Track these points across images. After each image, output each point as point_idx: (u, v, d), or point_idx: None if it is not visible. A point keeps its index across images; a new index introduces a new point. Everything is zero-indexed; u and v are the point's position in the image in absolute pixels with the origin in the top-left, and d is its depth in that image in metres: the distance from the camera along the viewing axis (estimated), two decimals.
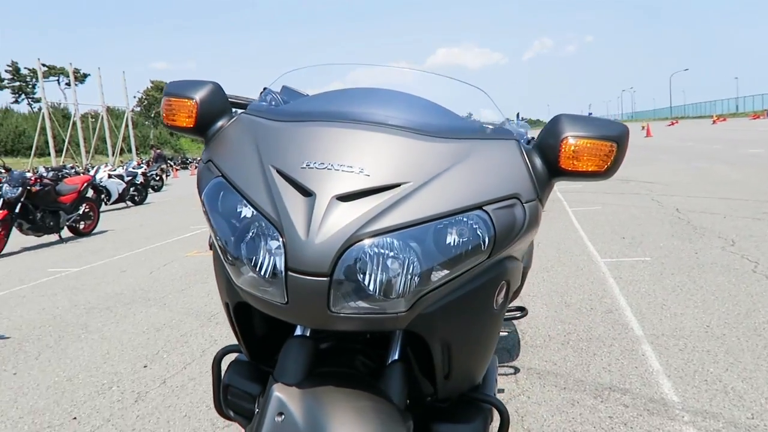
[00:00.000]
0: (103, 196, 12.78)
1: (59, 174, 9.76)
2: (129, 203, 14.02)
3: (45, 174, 9.75)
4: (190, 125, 1.47)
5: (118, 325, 4.00)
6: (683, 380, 2.50)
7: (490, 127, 1.43)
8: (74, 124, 39.94)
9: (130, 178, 13.96)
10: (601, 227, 6.11)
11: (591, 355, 2.85)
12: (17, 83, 60.33)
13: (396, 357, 1.31)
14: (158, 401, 2.70)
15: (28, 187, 7.84)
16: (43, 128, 37.14)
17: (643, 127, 31.75)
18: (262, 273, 1.15)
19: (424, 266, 1.11)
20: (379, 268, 1.10)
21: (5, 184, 7.68)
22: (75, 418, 2.60)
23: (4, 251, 7.72)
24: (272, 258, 1.14)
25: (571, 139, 1.31)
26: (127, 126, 43.00)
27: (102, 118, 42.11)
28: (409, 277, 1.11)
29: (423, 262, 1.11)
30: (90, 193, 9.45)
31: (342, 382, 1.25)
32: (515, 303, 2.84)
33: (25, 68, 60.55)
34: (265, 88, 1.61)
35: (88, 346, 3.61)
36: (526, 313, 2.69)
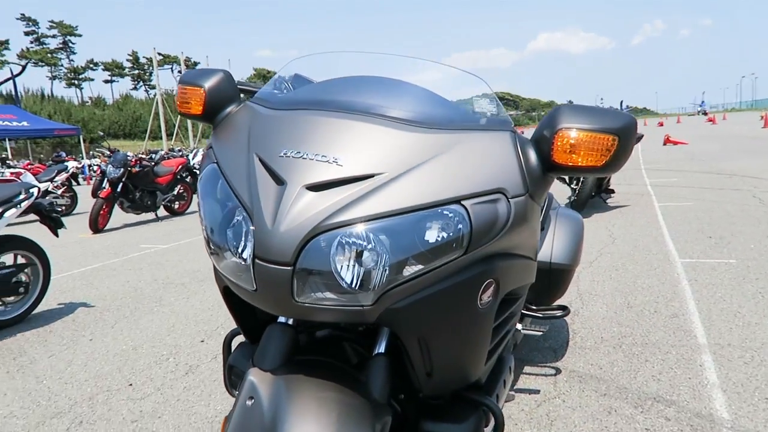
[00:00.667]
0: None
1: (154, 157, 10.46)
2: None
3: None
4: (198, 113, 1.52)
5: (188, 301, 4.26)
6: (740, 397, 2.29)
7: (486, 117, 1.37)
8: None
9: None
10: (687, 225, 5.68)
11: (642, 362, 2.67)
12: (136, 71, 65.11)
13: (381, 350, 1.30)
14: (206, 374, 2.86)
15: (129, 168, 8.48)
16: (157, 113, 39.80)
17: (762, 117, 28.98)
18: (236, 260, 1.18)
19: (392, 259, 1.10)
20: (345, 260, 1.09)
21: (110, 165, 8.36)
22: (131, 384, 2.80)
23: (107, 227, 8.44)
24: (245, 245, 1.16)
25: (567, 131, 1.23)
26: None
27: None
28: (377, 270, 1.09)
29: (392, 255, 1.09)
30: (185, 175, 10.05)
31: (318, 372, 1.26)
32: (559, 302, 2.72)
33: (144, 57, 65.17)
34: (276, 75, 1.63)
35: (157, 318, 3.88)
36: (568, 313, 2.57)
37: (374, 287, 1.10)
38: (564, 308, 2.58)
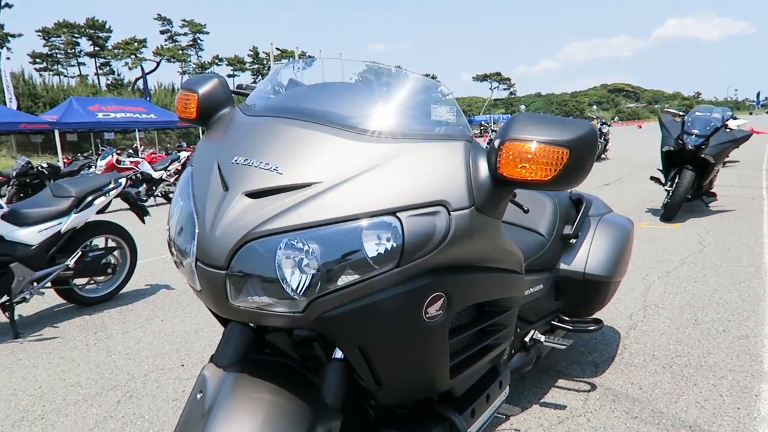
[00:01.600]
0: None
1: None
2: None
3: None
4: (193, 116, 1.59)
5: None
6: None
7: (443, 126, 1.33)
8: None
9: None
10: None
11: (690, 385, 2.46)
12: (256, 66, 68.74)
13: (338, 356, 1.32)
14: None
15: None
16: None
17: None
18: (186, 261, 1.26)
19: (324, 268, 1.11)
20: (276, 266, 1.12)
21: None
22: (183, 365, 3.03)
23: None
24: (191, 248, 1.23)
25: (514, 142, 1.18)
26: None
27: None
28: (307, 277, 1.11)
29: (323, 264, 1.11)
30: None
31: (271, 373, 1.30)
32: (598, 314, 2.57)
33: (263, 52, 68.61)
34: (264, 80, 1.67)
35: None
36: (601, 327, 2.44)
37: (305, 294, 1.12)
38: (598, 321, 2.45)
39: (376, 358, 1.25)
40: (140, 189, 10.84)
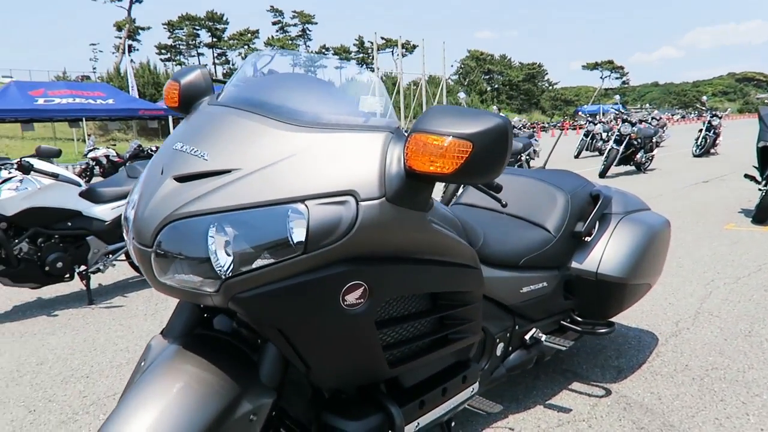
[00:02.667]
0: None
1: None
2: None
3: None
4: (175, 104, 1.69)
5: None
6: None
7: (369, 117, 1.34)
8: (398, 91, 44.67)
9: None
10: None
11: (715, 401, 2.27)
12: (361, 55, 70.01)
13: None
14: None
15: None
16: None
17: None
18: (128, 241, 1.36)
19: (236, 250, 1.17)
20: (192, 247, 1.19)
21: None
22: None
23: None
24: (130, 227, 1.33)
25: (419, 134, 1.17)
26: (442, 93, 46.19)
27: (421, 86, 46.19)
28: (220, 259, 1.17)
29: (235, 247, 1.17)
30: None
31: (210, 348, 1.39)
32: (619, 317, 2.44)
33: (368, 42, 69.69)
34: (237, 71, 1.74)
35: None
36: (612, 331, 2.32)
37: (217, 275, 1.18)
38: (610, 324, 2.33)
39: (297, 341, 1.28)
40: None
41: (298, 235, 1.16)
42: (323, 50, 67.09)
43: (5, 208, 3.71)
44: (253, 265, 1.17)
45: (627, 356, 2.73)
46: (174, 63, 61.75)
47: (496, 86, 66.42)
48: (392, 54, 69.30)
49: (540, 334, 2.17)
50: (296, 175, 1.21)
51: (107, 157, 15.13)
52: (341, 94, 1.40)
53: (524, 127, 14.96)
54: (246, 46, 57.08)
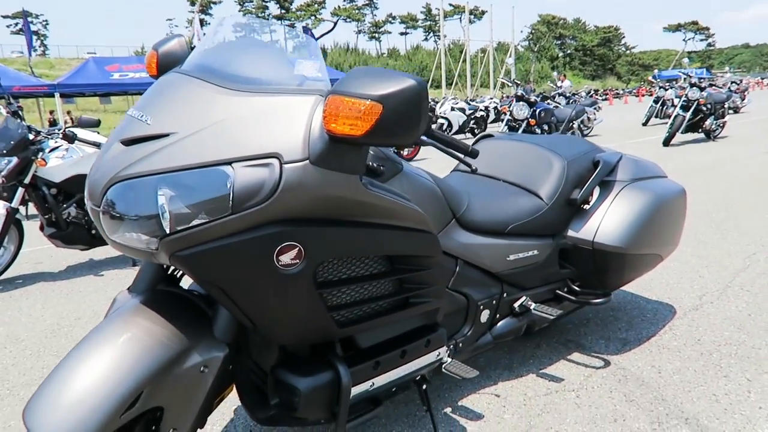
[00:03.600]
0: (445, 126, 14.15)
1: None
2: (468, 134, 15.14)
3: None
4: (154, 73, 1.75)
5: None
6: None
7: (301, 80, 1.35)
8: (464, 59, 43.78)
9: (471, 111, 14.99)
10: None
11: (717, 377, 2.18)
12: (428, 23, 68.86)
13: None
14: None
15: None
16: (440, 63, 41.72)
17: None
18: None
19: (170, 211, 1.23)
20: (133, 206, 1.27)
21: None
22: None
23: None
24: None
25: (335, 96, 1.19)
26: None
27: (488, 53, 45.04)
28: (158, 218, 1.24)
29: (170, 207, 1.23)
30: None
31: (169, 303, 1.47)
32: (628, 287, 2.37)
33: (435, 9, 68.37)
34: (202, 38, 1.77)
35: None
36: (607, 300, 2.27)
37: (156, 233, 1.25)
38: (605, 294, 2.27)
39: (238, 299, 1.34)
40: None
41: (224, 196, 1.20)
42: (390, 18, 66.46)
43: (54, 175, 3.99)
44: (187, 225, 1.23)
45: (637, 329, 2.64)
46: None
47: (569, 52, 63.66)
48: (460, 21, 67.82)
49: (530, 303, 2.14)
50: (226, 138, 1.25)
51: None
52: (280, 59, 1.42)
53: (588, 94, 14.31)
54: (313, 17, 57.40)
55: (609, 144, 10.68)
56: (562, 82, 18.70)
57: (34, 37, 63.70)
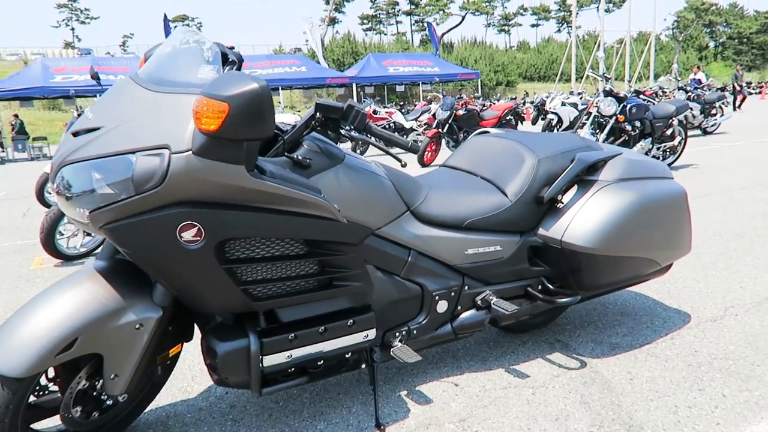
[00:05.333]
0: (554, 122, 13.66)
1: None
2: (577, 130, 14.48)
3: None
4: None
5: None
6: None
7: (201, 81, 1.54)
8: (598, 50, 41.44)
9: (584, 107, 14.31)
10: None
11: (692, 390, 2.05)
12: (562, 13, 66.05)
13: None
14: None
15: (455, 111, 9.41)
16: (571, 55, 39.89)
17: None
18: None
19: (96, 190, 1.48)
20: (71, 186, 1.54)
21: (439, 108, 9.47)
22: None
23: (434, 162, 9.66)
24: None
25: (200, 97, 1.37)
26: (650, 51, 41.74)
27: (624, 44, 42.27)
28: (85, 196, 1.50)
29: (96, 187, 1.49)
30: (510, 119, 10.43)
31: (120, 271, 1.75)
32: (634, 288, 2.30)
33: None
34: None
35: None
36: (573, 302, 2.23)
37: (84, 209, 1.50)
38: (572, 295, 2.24)
39: (155, 269, 1.57)
40: None
41: (127, 180, 1.44)
42: (521, 10, 64.70)
43: None
44: (105, 202, 1.47)
45: (636, 335, 2.54)
46: (374, 32, 64.76)
47: (722, 40, 57.82)
48: (597, 10, 64.20)
49: (492, 297, 2.17)
50: (136, 131, 1.48)
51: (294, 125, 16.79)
52: (195, 64, 1.62)
53: (709, 87, 13.04)
54: (441, 12, 57.45)
55: (721, 143, 9.74)
56: (696, 74, 17.20)
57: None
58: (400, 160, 1.90)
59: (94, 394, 1.74)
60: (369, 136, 1.86)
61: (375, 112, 12.31)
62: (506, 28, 66.44)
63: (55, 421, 1.78)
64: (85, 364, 1.68)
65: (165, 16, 18.50)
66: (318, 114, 1.79)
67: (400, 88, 26.63)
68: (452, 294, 2.13)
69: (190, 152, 1.42)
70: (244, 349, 1.69)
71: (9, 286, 3.84)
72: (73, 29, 65.62)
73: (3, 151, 18.06)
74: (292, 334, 1.75)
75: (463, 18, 51.42)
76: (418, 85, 26.03)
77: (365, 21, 64.64)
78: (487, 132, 2.65)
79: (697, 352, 2.35)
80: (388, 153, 1.90)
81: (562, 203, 2.23)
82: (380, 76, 22.71)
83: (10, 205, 7.74)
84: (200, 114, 1.36)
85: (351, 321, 1.85)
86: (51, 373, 1.73)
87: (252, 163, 1.51)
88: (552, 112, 13.56)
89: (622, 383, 2.14)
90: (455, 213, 2.11)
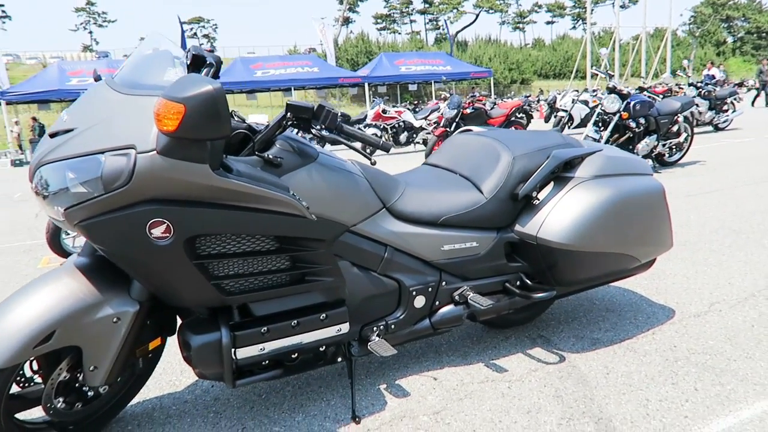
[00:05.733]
0: (565, 120, 13.59)
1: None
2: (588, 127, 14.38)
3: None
4: None
5: None
6: None
7: (166, 84, 1.60)
8: (613, 47, 41.07)
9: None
10: None
11: (666, 383, 2.08)
12: (577, 10, 65.46)
13: None
14: None
15: (462, 110, 9.43)
16: (587, 52, 39.57)
17: None
18: None
19: (70, 189, 1.55)
20: (47, 184, 1.61)
21: (445, 107, 9.49)
22: None
23: None
24: None
25: (159, 99, 1.42)
26: (666, 47, 41.22)
27: (640, 40, 41.81)
28: (60, 194, 1.57)
29: (69, 186, 1.55)
30: (519, 117, 10.42)
31: (99, 267, 1.82)
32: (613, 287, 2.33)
33: None
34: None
35: None
36: (547, 297, 2.26)
37: (60, 207, 1.57)
38: (547, 290, 2.27)
39: (128, 265, 1.64)
40: (402, 135, 12.13)
41: (96, 179, 1.50)
42: (535, 8, 64.27)
43: None
44: (77, 201, 1.54)
45: (618, 330, 2.56)
46: (388, 31, 64.78)
47: (740, 35, 56.95)
48: (612, 6, 63.52)
49: (469, 293, 2.21)
50: (105, 131, 1.55)
51: None
52: (164, 68, 1.68)
53: (719, 83, 12.88)
54: (455, 10, 57.30)
55: (731, 140, 9.64)
56: (709, 70, 17.00)
57: (205, 40, 70.78)
58: (369, 158, 1.95)
59: (77, 385, 1.82)
60: (341, 135, 1.91)
61: (384, 111, 12.35)
62: (521, 25, 66.06)
63: (41, 412, 1.85)
64: (66, 356, 1.75)
65: (179, 18, 18.73)
66: (289, 114, 1.84)
67: (412, 87, 26.65)
68: (429, 289, 2.17)
69: (155, 152, 1.49)
70: (217, 342, 1.75)
71: (16, 284, 3.96)
72: (91, 32, 66.61)
73: (22, 153, 18.44)
74: (265, 328, 1.81)
75: (477, 16, 51.18)
76: (431, 83, 26.04)
77: (379, 20, 64.70)
78: (470, 130, 2.69)
79: (676, 347, 2.36)
80: (357, 151, 1.95)
81: (538, 200, 2.26)
82: (392, 75, 22.72)
83: (24, 207, 7.93)
84: (159, 115, 1.42)
85: (324, 315, 1.90)
86: (35, 365, 1.81)
87: (217, 162, 1.58)
88: (562, 110, 13.50)
89: (598, 377, 2.17)
90: (430, 210, 2.15)
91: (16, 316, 1.63)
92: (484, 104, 10.74)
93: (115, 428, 2.04)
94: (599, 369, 2.23)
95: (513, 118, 9.99)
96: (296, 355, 1.92)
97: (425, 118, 12.49)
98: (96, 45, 65.11)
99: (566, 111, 13.58)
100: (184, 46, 20.97)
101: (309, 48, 48.53)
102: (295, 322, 1.86)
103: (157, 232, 1.57)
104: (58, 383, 1.76)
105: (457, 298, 2.22)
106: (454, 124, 9.46)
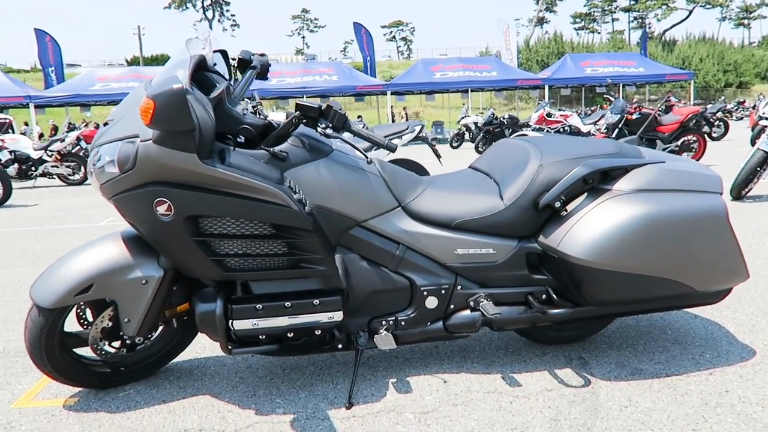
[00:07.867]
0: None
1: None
2: None
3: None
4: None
5: None
6: None
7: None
8: None
9: None
10: None
11: (643, 389, 1.84)
12: None
13: None
14: None
15: (627, 115, 8.72)
16: None
17: None
18: None
19: (105, 168, 1.90)
20: (96, 162, 1.97)
21: (609, 111, 8.87)
22: None
23: None
24: None
25: (144, 96, 1.66)
26: None
27: None
28: (99, 172, 1.94)
29: (105, 163, 1.90)
30: (697, 124, 9.28)
31: (140, 238, 2.16)
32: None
33: None
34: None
35: None
36: (566, 315, 2.12)
37: (99, 181, 1.92)
38: (566, 309, 2.13)
39: (147, 236, 1.94)
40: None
41: (114, 161, 1.82)
42: (765, 1, 55.86)
43: None
44: (107, 179, 1.87)
45: (671, 364, 2.27)
46: (587, 31, 61.46)
47: None
48: None
49: (482, 299, 2.17)
50: (126, 123, 1.86)
51: (475, 123, 16.84)
52: (177, 69, 1.93)
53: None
54: (664, 6, 52.25)
55: None
56: None
57: (402, 43, 73.96)
58: (366, 157, 2.02)
59: (120, 333, 2.18)
60: (347, 134, 2.01)
61: (549, 114, 11.89)
62: (746, 21, 58.05)
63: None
64: (108, 307, 2.11)
65: (358, 25, 19.89)
66: (298, 112, 2.00)
67: (600, 90, 25.01)
68: (443, 291, 2.17)
69: (151, 141, 1.76)
70: (212, 311, 1.98)
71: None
72: (303, 37, 73.59)
73: None
74: (260, 305, 1.99)
75: (690, 12, 46.11)
76: (620, 86, 24.22)
77: (578, 19, 61.67)
78: (525, 135, 2.58)
79: (727, 392, 2.05)
80: (357, 150, 2.04)
81: (566, 211, 2.12)
82: (576, 77, 21.64)
83: None
84: (141, 110, 1.67)
85: (317, 301, 2.02)
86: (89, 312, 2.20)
87: (205, 152, 1.79)
88: (765, 118, 11.69)
89: (612, 409, 1.98)
90: (445, 212, 2.15)
91: (65, 269, 2.02)
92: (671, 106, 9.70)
93: (160, 376, 2.39)
94: (620, 401, 2.03)
95: (688, 126, 8.95)
96: (292, 335, 2.07)
97: (594, 123, 11.75)
98: (307, 49, 71.79)
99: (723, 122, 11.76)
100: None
101: (498, 51, 48.09)
102: (289, 304, 2.01)
103: (161, 209, 1.83)
104: (102, 329, 2.13)
105: (472, 303, 2.19)
106: (617, 129, 8.80)
